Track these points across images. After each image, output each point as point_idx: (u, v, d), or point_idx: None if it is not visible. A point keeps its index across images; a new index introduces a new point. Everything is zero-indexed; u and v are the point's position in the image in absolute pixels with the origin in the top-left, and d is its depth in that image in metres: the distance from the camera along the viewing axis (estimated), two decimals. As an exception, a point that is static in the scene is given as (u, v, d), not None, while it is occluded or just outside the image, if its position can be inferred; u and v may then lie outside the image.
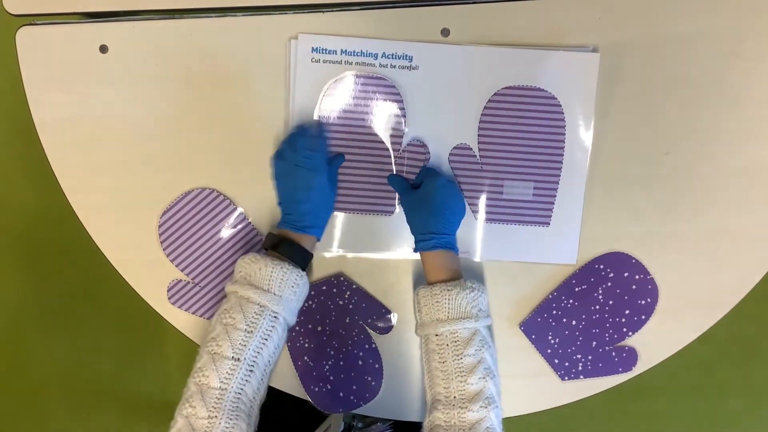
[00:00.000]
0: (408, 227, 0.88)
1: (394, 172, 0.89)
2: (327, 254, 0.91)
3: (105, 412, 1.79)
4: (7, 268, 1.78)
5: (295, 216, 0.83)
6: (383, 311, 0.92)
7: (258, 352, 0.75)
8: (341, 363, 0.92)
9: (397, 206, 0.90)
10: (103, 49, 0.89)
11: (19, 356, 1.80)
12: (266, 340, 0.76)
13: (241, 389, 0.73)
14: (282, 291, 0.78)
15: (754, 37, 0.87)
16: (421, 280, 0.91)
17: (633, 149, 0.89)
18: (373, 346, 0.92)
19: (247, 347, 0.74)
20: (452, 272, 0.82)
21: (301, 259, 0.82)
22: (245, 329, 0.75)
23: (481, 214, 0.90)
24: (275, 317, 0.78)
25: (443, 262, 0.82)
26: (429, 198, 0.83)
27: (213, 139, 0.90)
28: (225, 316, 0.77)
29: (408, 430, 0.97)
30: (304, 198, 0.82)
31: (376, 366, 0.93)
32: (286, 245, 0.82)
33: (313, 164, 0.82)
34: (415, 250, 0.85)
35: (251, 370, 0.74)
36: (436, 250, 0.82)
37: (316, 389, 0.93)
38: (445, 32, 0.87)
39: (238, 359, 0.73)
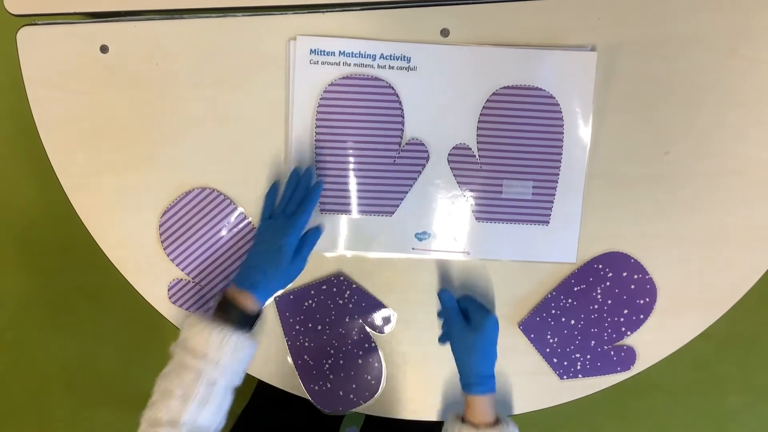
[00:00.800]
0: (409, 228, 0.88)
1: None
2: (327, 254, 0.92)
3: (106, 409, 1.79)
4: (9, 266, 1.78)
5: (244, 272, 0.83)
6: (383, 310, 0.92)
7: (197, 416, 0.74)
8: (341, 362, 0.93)
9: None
10: (104, 49, 0.89)
11: (22, 354, 1.81)
12: (204, 405, 0.74)
13: None
14: (219, 355, 0.76)
15: (752, 37, 0.87)
16: (422, 279, 0.91)
17: (631, 148, 0.89)
18: (373, 345, 0.93)
19: (184, 413, 0.73)
20: (494, 414, 0.82)
21: (242, 320, 0.80)
22: (181, 395, 0.73)
23: (481, 214, 0.90)
24: (213, 383, 0.75)
25: (490, 405, 0.82)
26: (485, 340, 0.83)
27: (213, 138, 0.90)
28: (164, 381, 0.75)
29: (409, 429, 0.98)
30: (275, 286, 0.84)
31: (376, 365, 0.93)
32: (226, 306, 0.80)
33: (291, 226, 0.83)
34: (465, 391, 0.82)
35: None
36: (485, 395, 0.82)
37: (316, 388, 0.93)
38: (445, 32, 0.87)
39: (175, 423, 0.72)
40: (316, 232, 0.88)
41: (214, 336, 0.76)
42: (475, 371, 0.82)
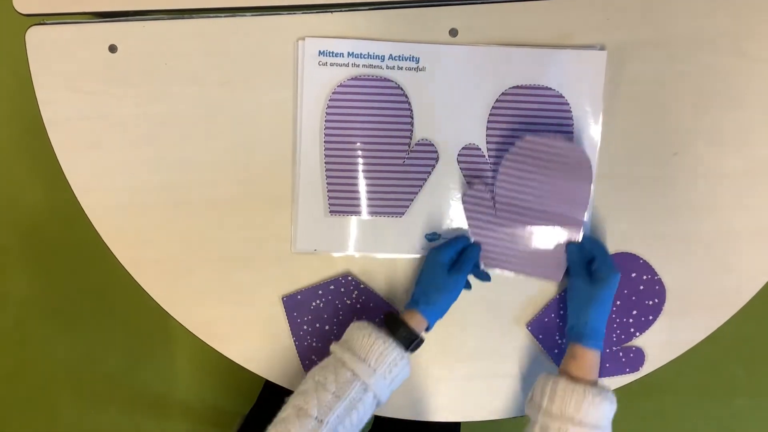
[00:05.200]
0: (418, 229, 0.88)
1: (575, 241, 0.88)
2: (335, 254, 0.92)
3: (113, 409, 1.79)
4: (17, 266, 1.79)
5: (422, 302, 0.84)
6: (391, 311, 0.92)
7: (341, 420, 0.73)
8: (349, 362, 0.93)
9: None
10: (113, 48, 0.89)
11: (28, 354, 1.81)
12: (352, 409, 0.74)
13: None
14: (377, 365, 0.77)
15: (762, 38, 0.86)
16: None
17: (640, 149, 0.89)
18: (381, 345, 0.93)
19: (332, 411, 0.73)
20: (596, 374, 0.81)
21: (408, 340, 0.81)
22: (334, 392, 0.74)
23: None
24: (365, 389, 0.76)
25: (595, 362, 0.80)
26: (607, 295, 0.82)
27: (222, 138, 0.90)
28: (318, 373, 0.77)
29: (411, 429, 0.98)
30: (437, 298, 0.84)
31: (384, 365, 0.93)
32: (395, 322, 0.81)
33: (461, 281, 0.85)
34: (575, 341, 0.82)
35: None
36: (595, 349, 0.80)
37: (324, 388, 0.93)
38: (454, 32, 0.87)
39: (321, 420, 0.72)
40: (475, 249, 0.88)
41: (378, 344, 0.77)
42: (591, 323, 0.81)
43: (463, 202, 0.89)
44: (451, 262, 0.86)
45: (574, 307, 0.85)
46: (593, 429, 0.75)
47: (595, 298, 0.82)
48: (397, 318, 0.82)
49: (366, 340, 0.77)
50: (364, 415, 0.76)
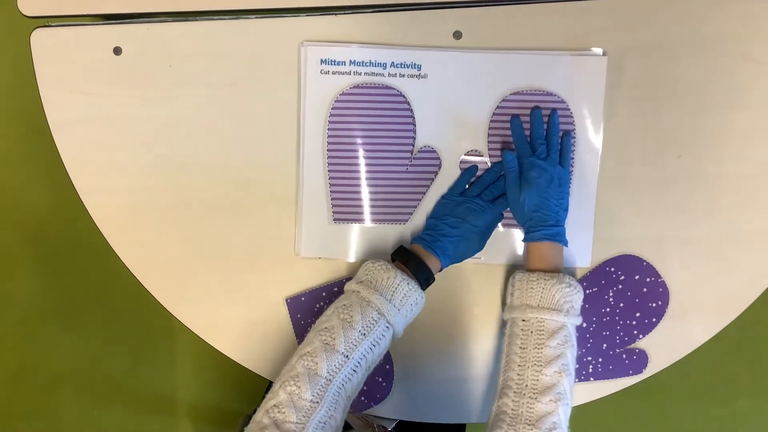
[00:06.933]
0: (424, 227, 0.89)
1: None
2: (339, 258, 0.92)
3: (116, 409, 1.80)
4: (21, 267, 1.79)
5: (437, 237, 0.85)
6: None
7: (365, 355, 0.76)
8: (352, 363, 0.93)
9: (416, 212, 0.91)
10: (117, 51, 0.89)
11: (32, 354, 1.81)
12: (375, 345, 0.77)
13: (343, 385, 0.73)
14: (402, 305, 0.79)
15: (764, 40, 0.86)
16: (435, 281, 0.91)
17: (643, 152, 0.89)
18: (384, 347, 0.93)
19: (357, 348, 0.75)
20: (553, 266, 0.82)
21: (425, 279, 0.83)
22: (360, 330, 0.76)
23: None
24: (388, 327, 0.79)
25: (548, 253, 0.83)
26: (537, 181, 0.83)
27: (226, 139, 0.90)
28: (343, 312, 0.78)
29: (412, 430, 0.98)
30: (459, 230, 0.85)
31: (387, 367, 0.93)
32: (416, 263, 0.83)
33: (488, 212, 0.86)
34: (524, 240, 0.86)
35: (355, 370, 0.75)
36: (543, 241, 0.83)
37: (327, 389, 0.93)
38: (458, 35, 0.88)
39: (347, 356, 0.74)
40: (492, 172, 0.89)
41: (404, 286, 0.79)
42: (528, 214, 0.83)
43: (461, 168, 0.90)
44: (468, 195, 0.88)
45: (515, 208, 0.86)
46: (552, 312, 0.78)
47: (526, 189, 0.83)
48: (417, 259, 0.83)
49: (392, 282, 0.79)
50: (384, 348, 0.79)
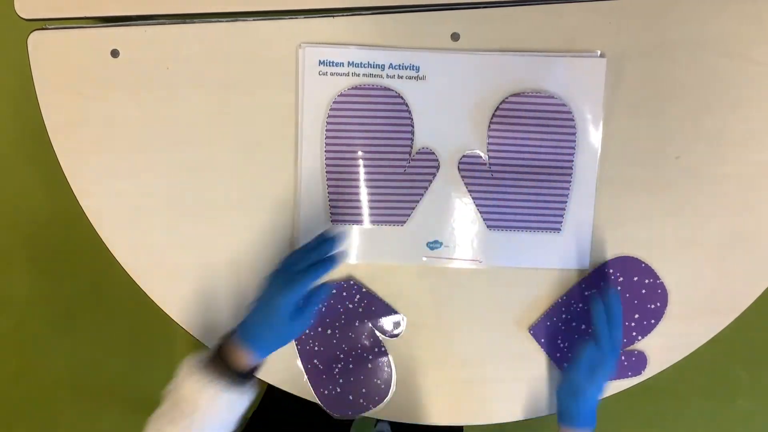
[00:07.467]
0: (420, 237, 0.89)
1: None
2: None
3: (114, 413, 1.80)
4: (19, 269, 1.79)
5: (247, 325, 0.78)
6: (393, 315, 0.92)
7: None
8: (351, 366, 0.93)
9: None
10: (115, 53, 0.89)
11: (30, 357, 1.81)
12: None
13: None
14: (211, 409, 0.74)
15: (764, 41, 0.86)
16: (433, 284, 0.91)
17: (642, 153, 0.89)
18: (383, 349, 0.93)
19: None
20: None
21: (238, 375, 0.76)
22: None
23: (492, 222, 0.90)
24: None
25: None
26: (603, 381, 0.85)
27: (224, 141, 0.90)
28: (158, 422, 0.75)
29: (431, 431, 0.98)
30: (258, 315, 0.78)
31: (386, 369, 0.93)
32: (218, 365, 0.75)
33: (284, 296, 0.76)
34: (562, 423, 0.86)
35: None
36: (584, 428, 0.85)
37: (326, 392, 0.93)
38: (456, 36, 0.87)
39: None
40: (325, 289, 0.80)
41: (208, 389, 0.73)
42: (582, 405, 0.85)
43: (459, 169, 0.89)
44: (297, 305, 0.77)
45: (570, 391, 0.85)
46: None
47: (589, 385, 0.85)
48: (224, 359, 0.76)
49: (196, 386, 0.74)
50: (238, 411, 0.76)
